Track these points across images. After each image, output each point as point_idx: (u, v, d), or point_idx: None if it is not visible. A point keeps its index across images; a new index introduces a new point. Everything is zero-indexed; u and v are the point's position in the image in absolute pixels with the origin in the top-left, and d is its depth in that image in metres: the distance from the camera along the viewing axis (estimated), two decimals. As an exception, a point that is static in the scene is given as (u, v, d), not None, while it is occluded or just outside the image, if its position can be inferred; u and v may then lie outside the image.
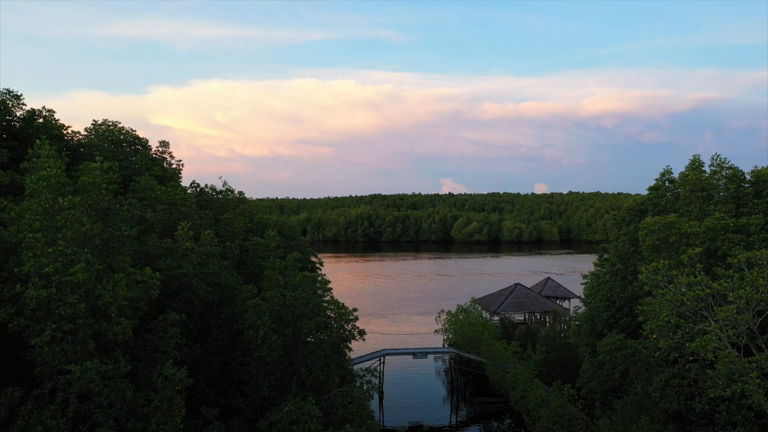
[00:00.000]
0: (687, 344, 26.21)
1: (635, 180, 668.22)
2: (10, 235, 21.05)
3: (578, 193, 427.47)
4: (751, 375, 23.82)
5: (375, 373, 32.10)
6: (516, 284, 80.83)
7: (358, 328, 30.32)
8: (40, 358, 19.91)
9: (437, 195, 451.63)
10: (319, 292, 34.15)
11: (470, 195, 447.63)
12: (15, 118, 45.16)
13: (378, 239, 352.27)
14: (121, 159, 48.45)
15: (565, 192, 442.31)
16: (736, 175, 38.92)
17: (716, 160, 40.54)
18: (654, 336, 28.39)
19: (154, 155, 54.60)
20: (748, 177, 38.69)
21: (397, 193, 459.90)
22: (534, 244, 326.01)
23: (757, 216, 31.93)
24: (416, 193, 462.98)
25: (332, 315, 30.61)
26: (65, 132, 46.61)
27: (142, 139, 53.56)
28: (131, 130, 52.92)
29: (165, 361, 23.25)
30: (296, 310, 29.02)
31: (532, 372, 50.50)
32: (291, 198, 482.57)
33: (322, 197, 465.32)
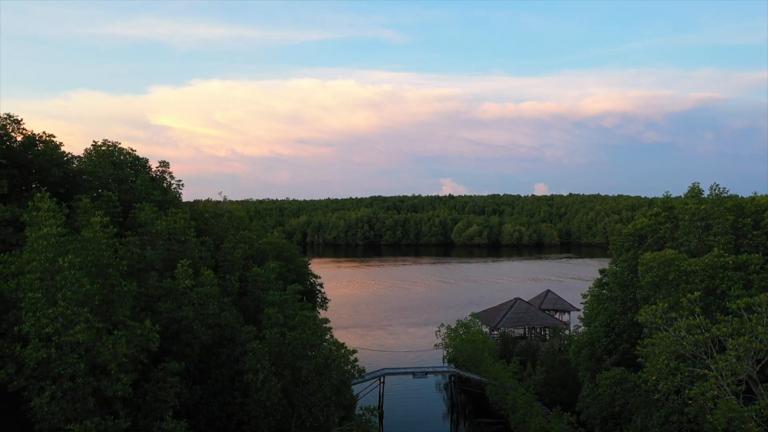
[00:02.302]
0: (686, 390, 26.26)
1: (635, 180, 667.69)
2: (10, 290, 21.11)
3: (578, 195, 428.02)
4: (750, 425, 23.85)
5: (375, 411, 32.14)
6: (516, 299, 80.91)
7: (357, 367, 30.38)
8: (40, 415, 19.97)
9: (437, 197, 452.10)
10: (322, 321, 34.12)
11: (470, 197, 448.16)
12: (15, 143, 45.08)
13: (378, 242, 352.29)
14: (121, 182, 48.48)
15: (565, 193, 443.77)
16: (735, 205, 39.05)
17: (715, 190, 40.67)
18: (653, 378, 28.43)
19: (154, 175, 54.63)
20: (748, 195, 39.02)
21: (397, 194, 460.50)
22: (534, 248, 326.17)
23: (756, 255, 31.95)
24: (416, 194, 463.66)
25: (332, 354, 30.61)
26: (65, 158, 46.60)
27: (142, 159, 53.57)
28: (131, 149, 52.93)
29: (165, 410, 23.32)
30: (296, 350, 29.08)
31: (532, 396, 50.52)
32: (291, 199, 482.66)
33: (322, 198, 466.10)
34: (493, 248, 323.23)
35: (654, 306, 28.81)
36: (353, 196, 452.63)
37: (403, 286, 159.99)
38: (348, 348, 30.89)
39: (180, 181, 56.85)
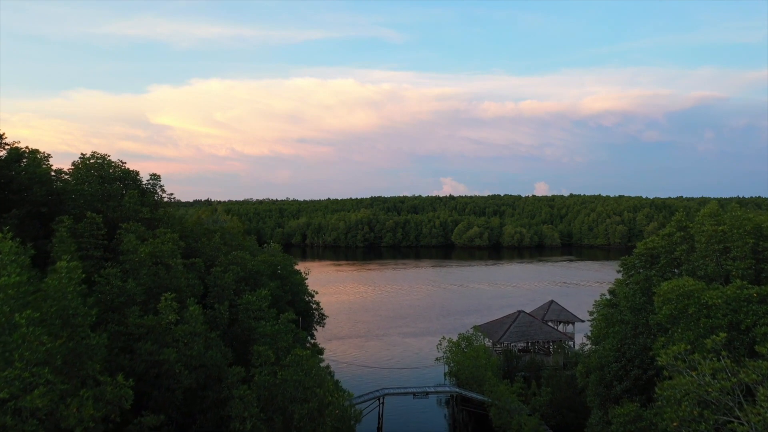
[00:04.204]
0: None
1: (635, 179, 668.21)
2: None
3: (579, 195, 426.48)
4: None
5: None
6: (519, 311, 78.66)
7: (354, 411, 28.26)
8: (-3, 487, 17.84)
9: (437, 197, 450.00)
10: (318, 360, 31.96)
11: (471, 197, 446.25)
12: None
13: (378, 244, 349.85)
14: (109, 197, 46.35)
15: (566, 193, 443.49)
16: (755, 227, 36.89)
17: (733, 211, 38.53)
18: (675, 424, 26.26)
19: (145, 187, 52.58)
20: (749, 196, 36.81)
21: (397, 194, 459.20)
22: (535, 250, 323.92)
23: (783, 288, 29.76)
24: (416, 194, 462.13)
25: (327, 400, 28.46)
26: (51, 173, 44.45)
27: (132, 172, 51.52)
28: (121, 162, 50.88)
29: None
30: (287, 392, 26.91)
31: (537, 420, 48.40)
32: (291, 199, 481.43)
33: (322, 198, 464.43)
34: (494, 250, 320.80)
35: (674, 347, 26.62)
36: (353, 197, 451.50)
37: (403, 291, 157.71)
38: (345, 391, 28.74)
39: (172, 194, 55.06)
